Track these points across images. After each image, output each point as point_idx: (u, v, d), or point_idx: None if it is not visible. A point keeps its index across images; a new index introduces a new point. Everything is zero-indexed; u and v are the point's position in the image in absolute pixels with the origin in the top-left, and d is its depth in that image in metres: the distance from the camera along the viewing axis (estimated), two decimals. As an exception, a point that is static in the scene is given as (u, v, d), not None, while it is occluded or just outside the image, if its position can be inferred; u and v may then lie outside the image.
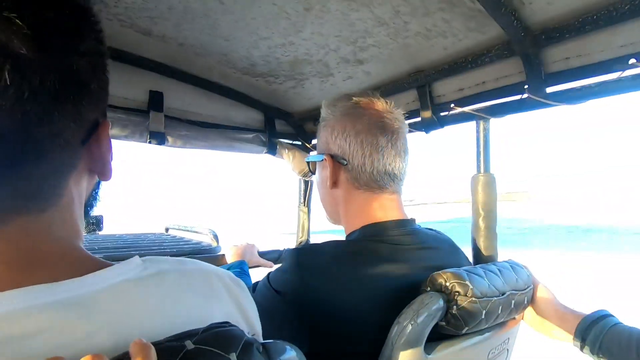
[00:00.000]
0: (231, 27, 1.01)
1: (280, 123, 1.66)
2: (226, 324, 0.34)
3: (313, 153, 1.74)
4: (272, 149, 1.59)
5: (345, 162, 0.77)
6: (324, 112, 0.84)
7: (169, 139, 1.28)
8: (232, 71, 1.29)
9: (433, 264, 0.71)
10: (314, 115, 1.56)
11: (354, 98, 0.80)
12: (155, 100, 1.28)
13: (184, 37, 1.08)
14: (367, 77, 1.23)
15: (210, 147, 1.40)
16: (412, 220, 0.78)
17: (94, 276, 0.35)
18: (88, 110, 0.37)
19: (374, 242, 0.71)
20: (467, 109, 1.04)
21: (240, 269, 1.20)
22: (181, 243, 1.92)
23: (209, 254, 1.71)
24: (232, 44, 1.09)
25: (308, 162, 0.89)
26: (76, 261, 0.37)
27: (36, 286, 0.31)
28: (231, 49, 1.12)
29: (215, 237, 1.97)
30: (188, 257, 1.40)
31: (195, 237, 2.12)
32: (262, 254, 1.43)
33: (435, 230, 0.82)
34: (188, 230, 2.33)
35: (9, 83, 0.28)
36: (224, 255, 1.39)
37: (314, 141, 1.72)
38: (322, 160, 0.81)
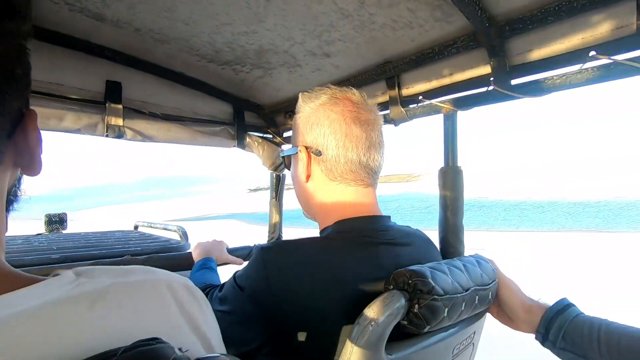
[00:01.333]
0: (190, 10, 0.95)
1: (250, 115, 1.61)
2: (153, 340, 0.30)
3: (285, 147, 1.70)
4: (241, 143, 1.54)
5: (320, 153, 0.75)
6: (299, 104, 0.81)
7: (128, 132, 1.21)
8: (195, 59, 1.23)
9: (406, 261, 0.69)
10: (284, 108, 1.52)
11: (329, 90, 0.77)
12: (113, 91, 1.20)
13: (140, 21, 1.01)
14: (335, 69, 1.20)
15: (173, 140, 1.34)
16: (387, 217, 0.77)
17: (6, 298, 0.30)
18: (13, 99, 0.33)
19: (346, 239, 0.69)
20: (434, 101, 1.03)
21: (209, 267, 1.16)
22: (148, 241, 1.86)
23: (177, 252, 1.65)
24: (193, 28, 1.03)
25: (283, 157, 0.86)
26: None
27: None
28: (192, 34, 1.06)
29: (184, 234, 1.92)
30: (155, 255, 1.35)
31: (164, 234, 2.06)
32: (231, 251, 1.39)
33: (409, 227, 0.80)
34: (157, 227, 2.25)
35: None
36: (189, 253, 1.33)
37: (285, 134, 1.68)
38: (297, 153, 0.79)
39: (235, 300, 0.67)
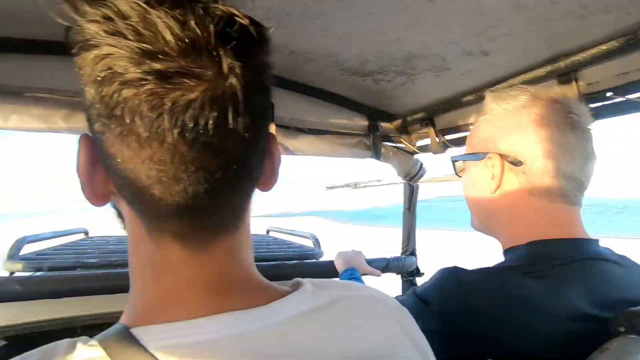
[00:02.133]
0: (346, 25, 0.97)
1: (384, 125, 1.59)
2: None
3: (419, 156, 1.63)
4: (377, 153, 1.53)
5: (520, 163, 0.65)
6: (488, 105, 0.72)
7: (280, 148, 1.31)
8: (339, 74, 1.26)
9: (629, 295, 0.57)
10: (421, 116, 1.46)
11: (527, 90, 0.68)
12: None
13: (297, 44, 1.08)
14: (490, 69, 1.09)
15: (317, 153, 1.40)
16: (595, 241, 0.64)
17: (279, 304, 0.35)
18: (268, 124, 0.37)
19: (550, 267, 0.59)
20: (632, 96, 0.85)
21: (356, 277, 1.18)
22: (285, 246, 1.98)
23: (312, 259, 1.73)
24: (345, 43, 1.05)
25: (454, 161, 0.79)
26: (258, 286, 0.37)
27: (227, 315, 0.32)
28: (343, 48, 1.09)
29: (317, 241, 1.99)
30: (301, 262, 1.42)
31: (296, 240, 2.18)
32: (369, 262, 1.38)
33: (622, 255, 0.66)
34: (288, 233, 2.41)
35: (240, 111, 0.29)
36: (332, 261, 1.37)
37: (419, 143, 1.61)
38: (481, 159, 0.70)
39: (422, 319, 0.64)
